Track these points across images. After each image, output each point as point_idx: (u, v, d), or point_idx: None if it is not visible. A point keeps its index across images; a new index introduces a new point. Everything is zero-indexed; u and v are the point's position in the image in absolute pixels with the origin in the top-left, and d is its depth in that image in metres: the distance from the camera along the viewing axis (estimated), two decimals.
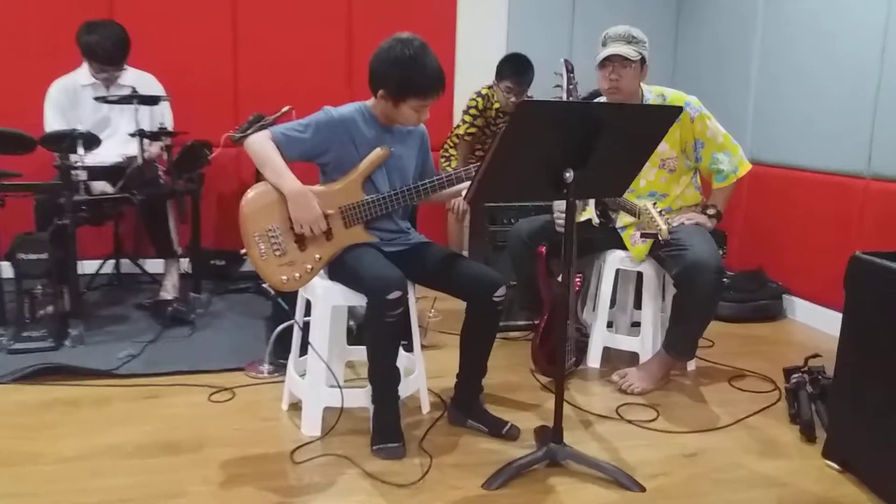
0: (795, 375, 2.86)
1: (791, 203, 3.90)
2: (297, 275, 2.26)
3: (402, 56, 2.20)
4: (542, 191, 2.15)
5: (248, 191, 2.27)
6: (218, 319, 3.57)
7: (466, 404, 2.46)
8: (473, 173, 2.26)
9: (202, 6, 4.30)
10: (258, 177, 2.48)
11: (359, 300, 2.32)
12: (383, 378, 2.26)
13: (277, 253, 2.25)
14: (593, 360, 3.07)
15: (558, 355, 2.16)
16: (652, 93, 2.91)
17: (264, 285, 2.30)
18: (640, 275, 3.13)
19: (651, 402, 2.75)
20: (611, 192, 2.28)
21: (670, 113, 2.06)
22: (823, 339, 3.59)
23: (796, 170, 3.85)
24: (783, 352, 3.40)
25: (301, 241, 2.27)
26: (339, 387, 2.35)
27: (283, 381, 2.78)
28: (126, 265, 4.18)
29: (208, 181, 4.05)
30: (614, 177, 2.19)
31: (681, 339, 2.78)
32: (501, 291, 2.34)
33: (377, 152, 2.33)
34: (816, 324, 3.76)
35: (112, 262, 4.13)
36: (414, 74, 2.21)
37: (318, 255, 2.28)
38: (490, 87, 4.01)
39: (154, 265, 4.06)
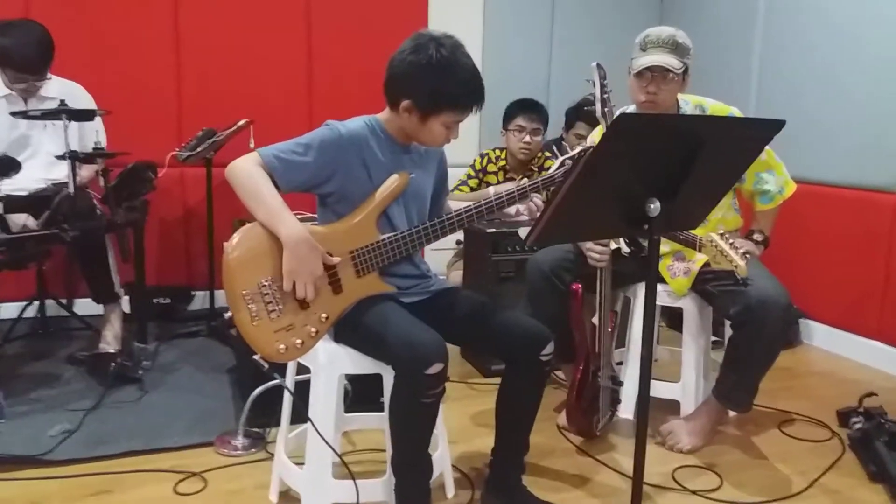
0: (855, 420, 2.54)
1: (807, 220, 3.58)
2: (299, 341, 1.75)
3: (437, 59, 1.74)
4: (617, 227, 1.73)
5: (234, 235, 1.73)
6: (170, 375, 2.98)
7: (506, 488, 2.00)
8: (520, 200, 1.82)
9: (136, 2, 3.69)
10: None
11: (374, 368, 1.84)
12: (413, 470, 1.77)
13: (273, 315, 1.73)
14: (626, 410, 2.66)
15: (638, 440, 1.72)
16: (689, 103, 2.52)
17: (256, 357, 1.77)
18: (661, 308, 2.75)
19: (707, 462, 2.36)
20: (688, 224, 1.88)
21: (772, 127, 1.66)
22: (851, 368, 3.30)
23: (813, 184, 3.53)
24: (816, 386, 3.08)
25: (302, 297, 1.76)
26: (353, 478, 1.84)
27: (264, 461, 2.26)
28: (52, 307, 3.53)
29: (150, 208, 3.45)
30: (697, 206, 1.77)
31: (739, 387, 2.39)
32: (550, 348, 1.90)
33: (395, 179, 1.85)
34: (837, 349, 3.46)
35: (35, 304, 3.48)
36: (451, 82, 1.75)
37: (324, 315, 1.77)
38: (499, 148, 3.54)
39: (86, 306, 3.43)
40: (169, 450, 2.33)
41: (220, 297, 3.73)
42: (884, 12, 3.20)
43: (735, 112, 2.51)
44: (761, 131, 1.68)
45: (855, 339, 3.38)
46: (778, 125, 1.68)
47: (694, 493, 2.16)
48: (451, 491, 2.10)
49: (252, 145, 3.50)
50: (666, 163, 1.56)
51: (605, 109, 2.35)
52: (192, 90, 3.79)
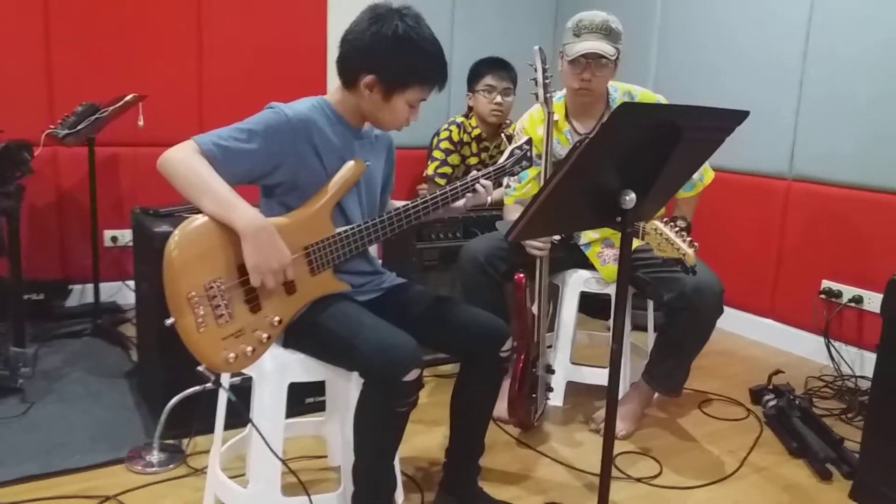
0: (768, 398, 2.67)
1: (705, 204, 3.72)
2: (249, 349, 1.57)
3: (404, 30, 1.61)
4: (589, 220, 1.67)
5: (176, 231, 1.51)
6: (57, 382, 2.65)
7: (463, 492, 1.91)
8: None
9: None
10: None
11: (325, 374, 1.70)
12: (377, 483, 1.65)
13: (221, 320, 1.53)
14: (556, 398, 2.65)
15: (606, 439, 1.68)
16: (618, 91, 2.52)
17: (200, 368, 1.57)
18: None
19: (642, 447, 2.39)
20: (645, 216, 1.86)
21: (737, 118, 1.67)
22: (748, 346, 3.48)
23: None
24: (723, 365, 3.21)
25: (253, 298, 1.58)
26: (308, 495, 1.69)
27: (186, 477, 2.06)
28: None
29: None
30: (659, 198, 1.76)
31: (673, 372, 2.44)
32: (509, 344, 1.83)
33: (351, 167, 1.69)
34: (735, 328, 3.63)
35: None
36: (419, 55, 1.63)
37: (276, 318, 1.60)
38: (464, 115, 3.31)
39: None
40: (72, 471, 2.06)
41: (105, 291, 3.38)
42: (763, 19, 3.41)
43: (661, 100, 2.53)
44: (728, 122, 1.68)
45: (749, 318, 3.57)
46: (742, 115, 1.68)
47: (639, 480, 2.18)
48: (400, 496, 1.99)
49: (141, 123, 3.18)
50: (644, 153, 1.52)
51: (547, 95, 2.30)
52: (64, 59, 3.35)
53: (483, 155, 3.34)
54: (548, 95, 2.25)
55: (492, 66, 3.21)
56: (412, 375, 1.50)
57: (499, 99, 3.19)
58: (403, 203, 1.76)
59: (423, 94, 1.68)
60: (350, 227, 1.68)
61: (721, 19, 3.63)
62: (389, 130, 1.78)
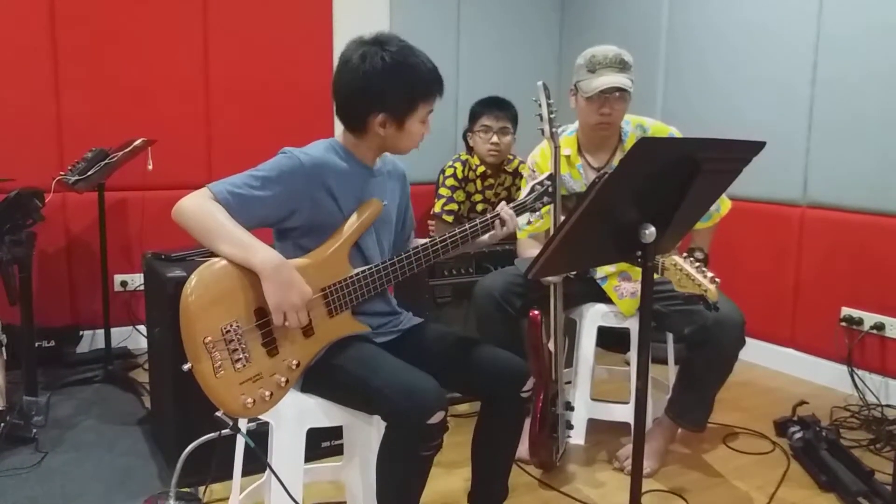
0: (794, 430, 2.61)
1: (719, 234, 3.70)
2: (267, 393, 1.54)
3: (396, 60, 1.62)
4: (609, 255, 1.64)
5: (192, 275, 1.49)
6: (71, 431, 2.62)
7: None
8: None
9: (5, 3, 3.24)
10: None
11: (344, 418, 1.66)
12: None
13: (239, 364, 1.51)
14: (578, 435, 2.59)
15: (634, 479, 1.63)
16: (630, 123, 2.51)
17: (218, 414, 1.54)
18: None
19: (669, 485, 2.33)
20: (664, 250, 1.83)
21: (754, 149, 1.65)
22: (768, 376, 3.42)
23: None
24: (744, 396, 3.15)
25: (271, 342, 1.55)
26: None
27: None
28: None
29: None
30: (678, 231, 1.73)
31: (696, 406, 2.39)
32: (530, 384, 1.79)
33: (367, 207, 1.68)
34: (753, 358, 3.56)
35: None
36: (415, 74, 1.65)
37: (294, 362, 1.57)
38: (467, 153, 3.34)
39: None
40: None
41: (116, 336, 3.35)
42: (787, 44, 3.38)
43: (674, 132, 2.52)
44: (745, 153, 1.66)
45: (769, 348, 3.51)
46: (758, 146, 1.67)
47: None
48: None
49: (150, 167, 3.20)
50: (663, 187, 1.51)
51: (553, 129, 2.29)
52: (74, 105, 3.37)
53: (488, 193, 3.34)
54: (553, 130, 2.25)
55: (488, 106, 3.23)
56: (436, 418, 1.47)
57: (495, 139, 3.19)
58: (423, 241, 1.75)
59: (430, 106, 1.70)
60: (368, 267, 1.66)
61: (728, 46, 3.63)
62: (407, 153, 1.77)
